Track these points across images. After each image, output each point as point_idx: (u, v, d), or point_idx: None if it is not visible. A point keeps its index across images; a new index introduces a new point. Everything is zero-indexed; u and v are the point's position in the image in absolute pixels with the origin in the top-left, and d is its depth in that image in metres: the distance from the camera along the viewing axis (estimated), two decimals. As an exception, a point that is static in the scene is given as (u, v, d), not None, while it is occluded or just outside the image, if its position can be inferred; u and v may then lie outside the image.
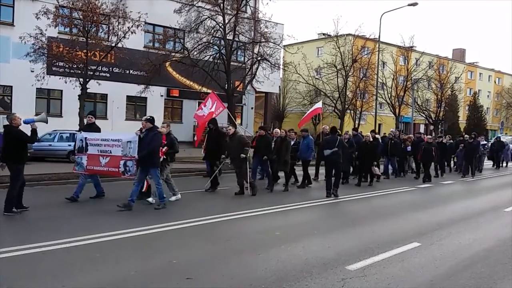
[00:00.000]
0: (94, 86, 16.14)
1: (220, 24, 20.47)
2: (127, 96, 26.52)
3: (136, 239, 6.79)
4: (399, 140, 17.39)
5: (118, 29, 16.02)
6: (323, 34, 38.14)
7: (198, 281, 5.07)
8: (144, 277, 5.15)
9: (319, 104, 18.26)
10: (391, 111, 38.07)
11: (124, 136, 9.24)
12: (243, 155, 10.86)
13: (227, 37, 20.60)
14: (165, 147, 9.41)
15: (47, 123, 8.65)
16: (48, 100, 25.59)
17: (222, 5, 20.32)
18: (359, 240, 7.18)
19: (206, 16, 20.69)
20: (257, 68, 21.65)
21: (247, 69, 22.65)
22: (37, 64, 16.97)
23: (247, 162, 11.14)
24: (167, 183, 9.85)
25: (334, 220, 9.19)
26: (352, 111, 34.67)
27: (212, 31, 20.68)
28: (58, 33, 18.19)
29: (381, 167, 16.93)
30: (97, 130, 10.00)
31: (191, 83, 26.74)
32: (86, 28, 15.26)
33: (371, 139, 14.79)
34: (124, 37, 16.09)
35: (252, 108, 32.92)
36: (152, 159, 8.83)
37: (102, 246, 6.32)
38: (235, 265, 5.76)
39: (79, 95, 15.51)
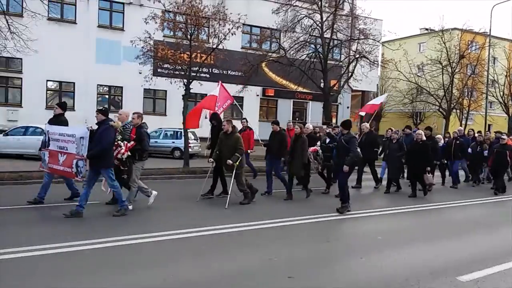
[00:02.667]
0: (195, 86, 16.82)
1: (318, 23, 20.27)
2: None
3: (235, 234, 6.94)
4: (469, 141, 14.71)
5: (218, 31, 16.52)
6: (426, 29, 36.07)
7: (299, 280, 5.00)
8: (244, 273, 5.21)
9: (382, 98, 16.22)
10: (503, 110, 34.96)
11: (78, 131, 7.85)
12: (229, 162, 9.08)
13: (324, 35, 20.34)
14: (132, 142, 8.09)
15: None
16: (154, 100, 27.41)
17: (320, 3, 20.10)
18: (469, 249, 6.69)
19: (304, 15, 20.62)
20: (355, 66, 21.10)
21: (344, 67, 22.15)
22: (145, 66, 18.16)
23: (234, 170, 9.21)
24: (131, 187, 8.36)
25: (438, 227, 8.54)
26: (458, 111, 32.37)
27: (310, 29, 20.54)
28: (163, 36, 19.31)
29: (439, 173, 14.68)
30: (63, 123, 8.60)
31: (287, 82, 26.87)
32: (190, 31, 15.93)
33: (424, 138, 11.76)
34: (224, 38, 16.56)
35: (348, 107, 32.20)
36: (102, 158, 7.53)
37: (205, 239, 6.51)
38: (337, 267, 5.63)
39: (183, 95, 16.26)
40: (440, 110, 30.79)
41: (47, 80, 24.45)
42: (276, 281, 4.99)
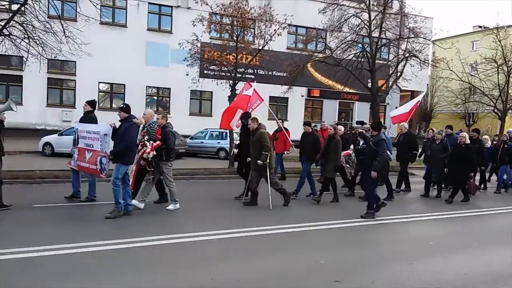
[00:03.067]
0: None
1: (365, 22, 19.85)
2: (270, 96, 27.40)
3: (281, 236, 6.91)
4: None
5: (264, 32, 16.54)
6: (479, 26, 34.52)
7: (347, 284, 4.91)
8: (291, 275, 5.15)
9: (419, 97, 15.59)
10: (562, 111, 32.77)
11: (102, 128, 7.92)
12: (260, 162, 8.92)
13: (373, 35, 19.89)
14: (158, 142, 8.20)
15: (15, 110, 7.85)
16: (200, 101, 27.89)
17: (368, 2, 19.68)
18: (526, 257, 6.28)
19: (351, 14, 20.26)
20: (404, 66, 20.48)
21: (393, 67, 21.57)
22: (192, 68, 18.49)
23: (267, 169, 9.05)
24: (169, 188, 8.53)
25: (490, 233, 8.15)
26: (515, 111, 30.74)
27: (357, 29, 20.15)
28: (210, 38, 19.58)
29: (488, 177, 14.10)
30: (92, 120, 8.70)
31: (333, 83, 26.53)
32: (236, 33, 16.06)
33: (467, 141, 11.00)
34: (270, 39, 16.56)
35: (396, 107, 31.30)
36: (124, 154, 7.63)
37: (250, 240, 6.54)
38: (386, 272, 5.46)
39: (229, 96, 16.42)
40: (495, 110, 29.37)
41: (99, 82, 25.46)
42: (323, 284, 4.91)
